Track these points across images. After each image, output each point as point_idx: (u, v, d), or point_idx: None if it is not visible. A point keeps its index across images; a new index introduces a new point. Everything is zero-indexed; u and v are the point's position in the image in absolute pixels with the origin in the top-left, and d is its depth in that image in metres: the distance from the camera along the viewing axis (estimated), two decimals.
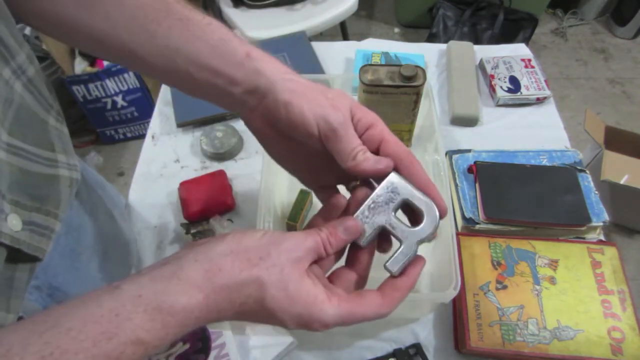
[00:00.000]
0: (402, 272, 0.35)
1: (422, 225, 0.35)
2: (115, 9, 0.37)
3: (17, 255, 0.35)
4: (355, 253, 0.37)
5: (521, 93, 0.88)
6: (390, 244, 0.38)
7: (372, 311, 0.33)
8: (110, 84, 1.70)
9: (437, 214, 0.35)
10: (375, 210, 0.36)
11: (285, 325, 0.32)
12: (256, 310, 0.31)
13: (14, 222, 0.34)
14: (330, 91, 0.37)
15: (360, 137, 0.37)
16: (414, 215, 0.37)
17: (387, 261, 0.35)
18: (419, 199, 0.35)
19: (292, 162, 0.42)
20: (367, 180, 0.38)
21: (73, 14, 0.37)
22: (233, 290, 0.30)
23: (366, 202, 0.36)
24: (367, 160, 0.35)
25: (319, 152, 0.37)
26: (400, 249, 0.35)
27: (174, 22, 0.37)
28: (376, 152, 0.37)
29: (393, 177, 0.36)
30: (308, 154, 0.40)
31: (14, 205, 0.35)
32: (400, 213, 0.37)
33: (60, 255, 0.45)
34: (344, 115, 0.36)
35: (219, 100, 0.40)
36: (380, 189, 0.36)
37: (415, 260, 0.36)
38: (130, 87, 1.75)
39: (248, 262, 0.30)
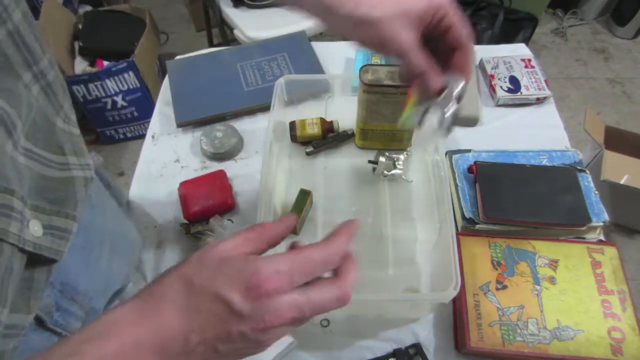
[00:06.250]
0: None
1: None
2: None
3: (37, 258, 0.36)
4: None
5: (521, 93, 0.88)
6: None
7: (321, 251, 0.32)
8: (110, 84, 1.70)
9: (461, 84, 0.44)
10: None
11: (232, 302, 0.29)
12: (197, 298, 0.29)
13: (36, 229, 0.35)
14: None
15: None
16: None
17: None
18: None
19: None
20: None
21: None
22: (156, 283, 0.31)
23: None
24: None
25: None
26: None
27: None
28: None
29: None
30: None
31: (34, 210, 0.35)
32: None
33: (72, 252, 0.46)
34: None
35: None
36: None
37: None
38: (130, 87, 1.75)
39: (171, 267, 0.32)
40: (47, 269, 0.38)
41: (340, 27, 0.43)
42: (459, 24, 0.43)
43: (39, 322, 0.43)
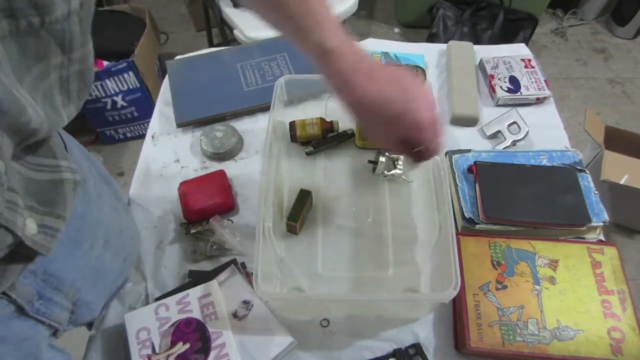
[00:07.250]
0: None
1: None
2: None
3: (20, 252, 0.37)
4: None
5: (521, 93, 0.88)
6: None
7: None
8: (110, 84, 1.70)
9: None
10: None
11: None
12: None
13: (32, 226, 0.36)
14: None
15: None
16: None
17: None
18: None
19: None
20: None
21: None
22: None
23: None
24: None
25: None
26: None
27: None
28: None
29: None
30: None
31: (29, 210, 0.37)
32: None
33: (60, 243, 0.46)
34: None
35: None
36: None
37: None
38: (130, 87, 1.75)
39: None
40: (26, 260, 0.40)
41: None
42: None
43: (20, 309, 0.44)
